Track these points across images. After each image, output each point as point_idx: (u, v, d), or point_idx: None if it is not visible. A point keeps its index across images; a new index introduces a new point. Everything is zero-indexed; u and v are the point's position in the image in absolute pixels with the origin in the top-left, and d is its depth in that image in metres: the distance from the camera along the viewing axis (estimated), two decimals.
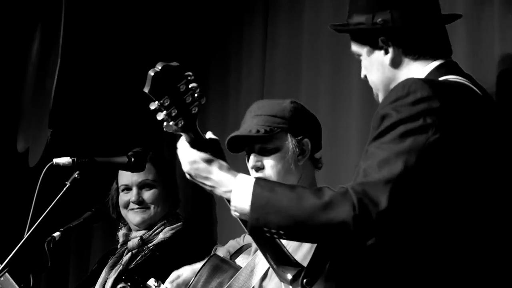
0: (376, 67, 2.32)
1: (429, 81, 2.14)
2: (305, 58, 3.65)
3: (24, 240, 2.77)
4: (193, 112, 2.10)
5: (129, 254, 3.58)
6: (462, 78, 2.21)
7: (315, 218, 2.00)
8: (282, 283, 2.28)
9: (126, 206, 3.63)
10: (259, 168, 2.78)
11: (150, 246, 3.56)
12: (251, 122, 2.80)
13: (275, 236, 2.08)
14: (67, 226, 3.23)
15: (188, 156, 2.17)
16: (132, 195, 3.61)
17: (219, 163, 2.16)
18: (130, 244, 3.59)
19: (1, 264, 2.85)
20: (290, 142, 2.77)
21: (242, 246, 3.11)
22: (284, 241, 2.30)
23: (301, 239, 2.20)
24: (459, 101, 2.10)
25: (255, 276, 2.66)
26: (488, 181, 2.11)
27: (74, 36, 4.56)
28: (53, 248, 3.12)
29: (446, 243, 2.06)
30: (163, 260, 3.40)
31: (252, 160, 2.79)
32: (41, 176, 2.77)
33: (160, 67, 2.05)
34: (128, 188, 3.63)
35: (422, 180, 2.02)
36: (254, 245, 2.85)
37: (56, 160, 2.79)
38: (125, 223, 3.70)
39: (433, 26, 2.32)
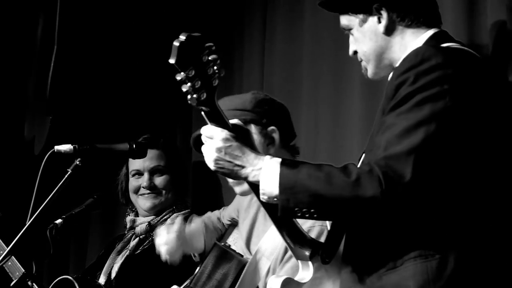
0: (368, 36, 2.32)
1: (441, 48, 2.16)
2: (306, 58, 3.62)
3: (27, 227, 2.75)
4: (214, 84, 2.07)
5: (137, 239, 3.56)
6: (460, 45, 2.24)
7: (345, 196, 2.00)
8: (299, 262, 2.29)
9: (137, 191, 3.61)
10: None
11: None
12: None
13: (306, 215, 2.06)
14: (69, 213, 3.23)
15: (221, 135, 2.14)
16: (143, 180, 3.59)
17: (246, 147, 2.14)
18: (138, 229, 3.57)
19: (6, 250, 2.84)
20: (254, 133, 2.73)
21: (227, 229, 3.11)
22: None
23: (332, 217, 2.23)
24: (468, 66, 2.11)
25: (259, 273, 2.66)
26: (498, 141, 2.12)
27: (74, 23, 4.53)
28: (55, 235, 3.13)
29: (463, 205, 2.05)
30: None
31: None
32: (43, 163, 2.75)
33: (184, 37, 2.01)
34: (139, 174, 3.61)
35: (444, 147, 2.01)
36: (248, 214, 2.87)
37: (57, 147, 2.77)
38: (133, 209, 3.68)
39: None
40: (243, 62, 4.01)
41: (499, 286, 2.09)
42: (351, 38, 2.39)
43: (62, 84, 4.50)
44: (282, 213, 2.10)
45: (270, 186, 2.09)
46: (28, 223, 2.75)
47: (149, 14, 4.47)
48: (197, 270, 2.79)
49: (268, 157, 2.13)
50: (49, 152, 2.76)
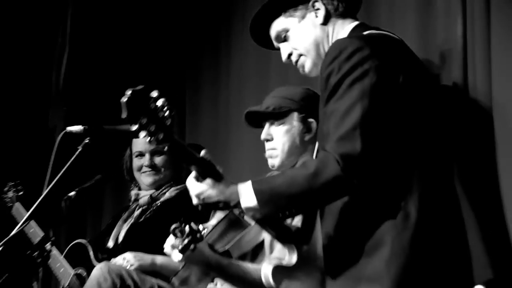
0: (307, 29, 2.38)
1: (354, 36, 2.25)
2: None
3: (44, 196, 2.84)
4: (168, 124, 2.09)
5: (140, 209, 3.70)
6: (382, 31, 2.32)
7: (314, 186, 2.07)
8: (285, 247, 2.38)
9: (140, 169, 3.73)
10: (267, 140, 2.89)
11: (158, 203, 3.68)
12: (267, 101, 2.92)
13: (288, 215, 2.17)
14: (81, 187, 3.43)
15: (194, 190, 2.21)
16: (145, 160, 3.71)
17: (217, 184, 2.19)
18: (141, 201, 3.71)
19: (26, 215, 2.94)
20: (296, 119, 2.87)
21: None
22: None
23: (310, 208, 2.28)
24: (384, 47, 2.18)
25: (264, 233, 2.69)
26: (420, 102, 2.20)
27: (85, 25, 4.76)
28: (69, 205, 3.34)
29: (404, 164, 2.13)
30: (168, 215, 3.46)
31: (263, 133, 2.90)
32: (57, 142, 2.86)
33: (129, 93, 2.03)
34: (141, 154, 3.73)
35: (379, 115, 2.09)
36: None
37: (69, 128, 2.91)
38: (137, 184, 3.80)
39: None
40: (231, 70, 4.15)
41: (448, 226, 2.16)
42: (283, 45, 2.43)
43: (74, 79, 4.76)
44: (266, 220, 2.20)
45: (251, 205, 2.14)
46: (44, 193, 2.83)
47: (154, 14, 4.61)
48: (209, 231, 2.73)
49: (239, 185, 2.16)
50: (62, 132, 2.87)
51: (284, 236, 2.33)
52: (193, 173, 2.22)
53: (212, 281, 2.93)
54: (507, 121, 2.43)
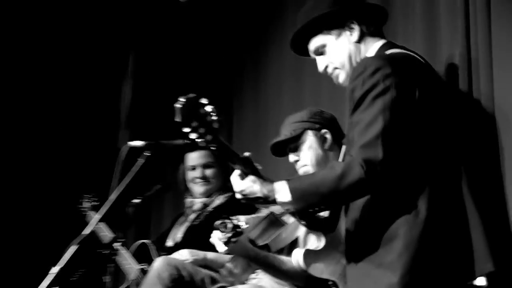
0: (343, 46, 2.33)
1: (378, 55, 2.23)
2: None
3: (112, 203, 2.82)
4: (215, 127, 2.07)
5: (194, 214, 3.69)
6: (404, 50, 2.28)
7: (341, 186, 2.05)
8: (314, 234, 2.43)
9: (193, 180, 3.73)
10: (296, 161, 2.86)
11: (209, 209, 3.67)
12: (283, 131, 2.90)
13: (317, 210, 2.14)
14: (144, 195, 3.40)
15: (237, 186, 2.19)
16: (197, 172, 3.70)
17: (258, 181, 2.16)
18: (195, 207, 3.70)
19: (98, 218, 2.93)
20: (311, 135, 2.84)
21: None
22: None
23: (337, 205, 2.26)
24: (403, 65, 2.14)
25: (299, 230, 2.69)
26: (433, 114, 2.16)
27: (143, 61, 4.83)
28: (135, 211, 3.30)
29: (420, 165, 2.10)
30: (218, 218, 3.30)
31: (290, 157, 2.87)
32: (121, 155, 2.85)
33: (183, 100, 2.03)
34: (194, 168, 3.72)
35: (399, 126, 2.07)
36: None
37: (130, 143, 2.90)
38: (190, 193, 3.79)
39: (377, 14, 2.40)
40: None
41: (453, 223, 2.12)
42: (320, 58, 2.38)
43: (137, 106, 4.82)
44: (299, 215, 2.18)
45: (286, 201, 2.12)
46: (112, 199, 2.81)
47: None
48: (251, 229, 2.73)
49: (276, 183, 2.14)
50: (125, 146, 2.85)
51: (313, 225, 2.31)
52: (237, 171, 2.20)
53: (254, 272, 2.90)
54: (509, 124, 2.36)
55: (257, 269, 2.85)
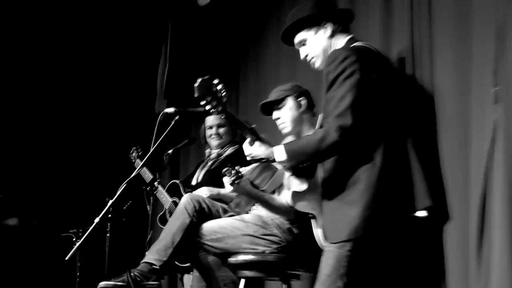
0: (319, 40, 2.28)
1: (346, 47, 2.20)
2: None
3: (150, 153, 2.75)
4: (224, 101, 2.09)
5: (211, 161, 3.65)
6: (365, 44, 2.25)
7: (321, 147, 2.06)
8: (298, 180, 2.32)
9: (210, 136, 3.67)
10: (278, 119, 2.77)
11: (222, 157, 3.62)
12: (271, 96, 2.81)
13: (305, 165, 2.14)
14: (175, 147, 3.41)
15: (247, 151, 2.22)
16: (213, 131, 3.64)
17: (262, 146, 2.18)
18: (211, 156, 3.67)
19: (140, 164, 2.82)
20: (291, 101, 2.75)
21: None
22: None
23: (319, 161, 2.20)
24: (364, 55, 2.13)
25: (284, 176, 2.64)
26: (386, 91, 2.15)
27: (178, 43, 4.65)
28: (169, 159, 3.31)
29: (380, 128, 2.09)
30: (228, 164, 3.22)
31: (274, 115, 2.79)
32: (159, 119, 2.79)
33: (199, 80, 2.04)
34: (211, 127, 3.66)
35: (362, 100, 2.05)
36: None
37: (166, 110, 2.84)
38: (209, 146, 3.75)
39: (346, 16, 2.36)
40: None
41: (400, 170, 2.12)
42: (302, 48, 2.34)
43: (172, 80, 4.67)
44: (292, 168, 2.18)
45: (283, 159, 2.13)
46: (151, 151, 2.73)
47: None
48: (250, 171, 2.73)
49: (276, 146, 2.14)
50: (162, 112, 2.79)
51: (299, 173, 2.29)
52: (247, 140, 2.23)
53: (254, 205, 2.91)
54: (444, 102, 2.31)
55: (256, 203, 2.83)
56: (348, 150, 2.09)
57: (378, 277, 2.12)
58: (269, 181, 2.71)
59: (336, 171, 2.15)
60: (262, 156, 2.19)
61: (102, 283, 2.57)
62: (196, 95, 2.03)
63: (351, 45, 2.23)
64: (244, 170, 2.53)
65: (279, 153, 2.15)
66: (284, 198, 2.50)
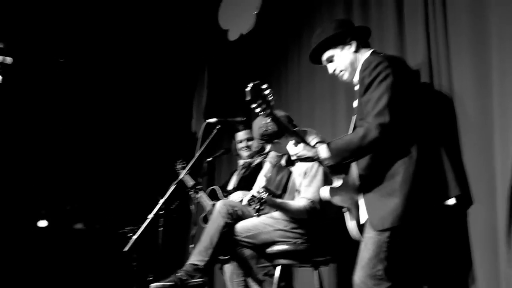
0: (346, 56, 2.01)
1: (376, 55, 1.95)
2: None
3: (193, 162, 2.48)
4: (271, 104, 1.82)
5: (243, 170, 3.32)
6: (389, 54, 2.00)
7: (363, 144, 1.77)
8: (334, 177, 1.96)
9: (240, 149, 3.37)
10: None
11: (252, 166, 3.29)
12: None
13: (349, 162, 1.85)
14: (213, 155, 3.09)
15: (292, 151, 1.91)
16: (243, 144, 3.34)
17: (307, 147, 1.88)
18: (243, 165, 3.33)
19: (183, 173, 2.56)
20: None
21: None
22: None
23: (362, 157, 1.88)
24: (394, 61, 1.89)
25: (292, 174, 2.40)
26: (414, 93, 1.90)
27: (215, 69, 4.22)
28: (208, 166, 3.06)
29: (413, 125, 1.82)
30: (257, 171, 3.07)
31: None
32: (202, 128, 2.53)
33: (251, 85, 1.79)
34: (241, 141, 3.36)
35: (398, 99, 1.81)
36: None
37: (208, 120, 2.56)
38: (240, 157, 3.41)
39: (365, 32, 2.07)
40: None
41: (434, 162, 1.86)
42: (329, 64, 2.04)
43: (210, 102, 4.25)
44: (336, 166, 1.87)
45: (327, 157, 1.84)
46: (193, 159, 2.47)
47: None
48: (268, 174, 2.51)
49: (319, 146, 1.86)
50: (205, 122, 2.52)
51: (335, 171, 1.93)
52: (292, 141, 1.91)
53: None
54: (463, 105, 2.01)
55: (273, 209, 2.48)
56: (386, 146, 1.80)
57: (412, 261, 1.86)
58: (281, 183, 2.46)
59: (374, 166, 1.84)
60: (308, 155, 1.88)
61: (153, 285, 2.26)
62: (247, 98, 1.78)
63: (380, 54, 1.97)
64: (264, 194, 2.15)
65: (324, 152, 1.86)
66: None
